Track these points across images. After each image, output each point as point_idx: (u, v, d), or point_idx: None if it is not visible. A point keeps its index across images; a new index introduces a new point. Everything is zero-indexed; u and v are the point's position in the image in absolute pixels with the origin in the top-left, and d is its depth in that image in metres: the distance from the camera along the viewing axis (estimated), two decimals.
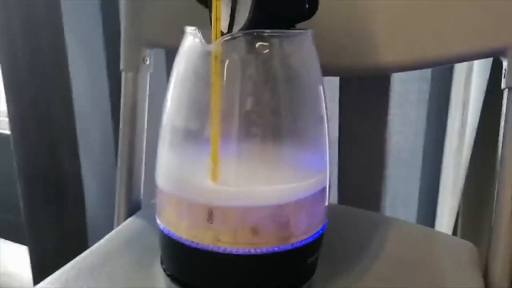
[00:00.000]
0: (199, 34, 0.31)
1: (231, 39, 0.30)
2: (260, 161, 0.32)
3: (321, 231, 0.35)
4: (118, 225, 0.49)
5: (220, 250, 0.32)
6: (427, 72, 0.63)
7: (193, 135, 0.33)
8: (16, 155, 0.88)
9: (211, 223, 0.32)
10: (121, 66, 0.52)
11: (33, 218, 0.91)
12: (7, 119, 0.88)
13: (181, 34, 0.35)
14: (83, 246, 0.87)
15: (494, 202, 0.41)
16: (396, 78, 0.62)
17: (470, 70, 0.61)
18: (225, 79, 0.31)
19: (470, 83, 0.61)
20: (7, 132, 0.90)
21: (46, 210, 0.89)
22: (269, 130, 0.32)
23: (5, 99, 0.86)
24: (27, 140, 0.86)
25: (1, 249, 1.24)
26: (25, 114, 0.84)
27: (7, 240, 1.26)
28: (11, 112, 0.86)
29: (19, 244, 1.22)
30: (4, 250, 1.24)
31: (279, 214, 0.32)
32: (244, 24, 0.31)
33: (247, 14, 0.31)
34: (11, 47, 0.81)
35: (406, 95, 0.63)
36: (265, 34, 0.31)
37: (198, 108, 0.32)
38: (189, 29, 0.33)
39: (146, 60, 0.51)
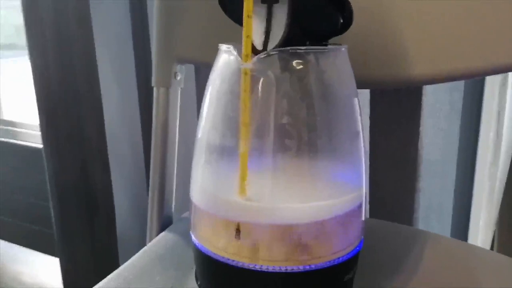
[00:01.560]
0: (234, 52, 0.31)
1: (266, 56, 0.30)
2: (294, 177, 0.32)
3: (358, 248, 0.35)
4: (150, 239, 0.49)
5: (255, 268, 0.32)
6: (460, 82, 0.62)
7: (227, 151, 0.33)
8: (48, 169, 0.89)
9: (239, 239, 0.31)
10: (153, 82, 0.52)
11: (64, 230, 0.92)
12: (40, 133, 0.90)
13: (211, 50, 0.35)
14: (113, 258, 0.88)
15: None
16: (428, 89, 0.61)
17: (504, 79, 0.59)
18: (259, 96, 0.31)
19: (505, 92, 0.60)
20: (40, 145, 0.92)
21: (77, 223, 0.91)
22: (304, 146, 0.31)
23: (38, 114, 0.88)
24: (59, 155, 0.87)
25: (34, 261, 1.27)
26: (57, 128, 0.86)
27: (39, 252, 1.28)
28: (43, 127, 0.87)
29: (50, 256, 1.24)
30: (36, 262, 1.26)
31: (313, 231, 0.32)
32: (279, 41, 0.31)
33: (281, 31, 0.31)
34: (44, 63, 0.83)
35: (439, 106, 0.62)
36: (300, 51, 0.31)
37: (234, 124, 0.32)
38: (224, 47, 0.33)
39: (177, 76, 0.52)
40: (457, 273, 0.42)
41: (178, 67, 0.52)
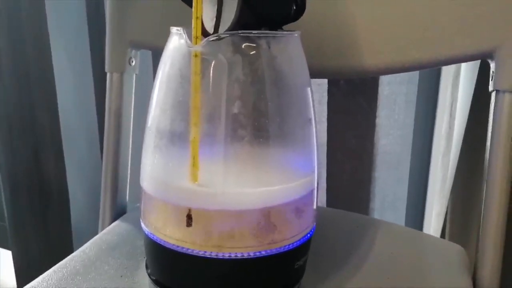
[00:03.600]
0: (184, 35, 0.31)
1: (217, 39, 0.29)
2: (246, 163, 0.32)
3: (309, 235, 0.35)
4: (103, 229, 0.48)
5: (205, 255, 0.31)
6: (415, 74, 0.63)
7: (177, 137, 0.33)
8: None
9: (190, 226, 0.31)
10: (106, 67, 0.51)
11: (17, 222, 0.89)
12: None
13: (167, 36, 0.34)
14: (67, 250, 0.86)
15: (482, 204, 0.41)
16: (384, 81, 0.62)
17: (457, 72, 0.61)
18: (210, 80, 0.30)
19: (457, 85, 0.61)
20: None
21: (30, 215, 0.88)
22: (255, 132, 0.31)
23: None
24: (11, 144, 0.84)
25: None
26: (9, 117, 0.83)
27: None
28: None
29: (3, 249, 1.21)
30: None
31: (264, 217, 0.31)
32: (230, 25, 0.31)
33: (233, 15, 0.31)
34: None
35: (394, 98, 0.63)
36: (252, 35, 0.30)
37: (183, 109, 0.32)
38: (175, 30, 0.32)
39: (132, 61, 0.51)
40: (408, 259, 0.43)
41: (132, 53, 0.51)
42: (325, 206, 0.67)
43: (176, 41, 0.32)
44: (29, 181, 0.85)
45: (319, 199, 0.36)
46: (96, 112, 0.79)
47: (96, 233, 0.47)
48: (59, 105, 0.78)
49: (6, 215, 0.90)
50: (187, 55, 0.31)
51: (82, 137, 0.81)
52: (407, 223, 0.71)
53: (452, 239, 0.64)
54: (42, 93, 0.79)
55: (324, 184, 0.66)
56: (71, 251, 0.42)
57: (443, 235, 0.66)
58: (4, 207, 0.89)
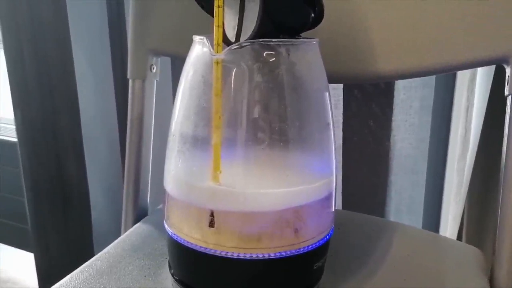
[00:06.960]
0: (207, 43, 0.32)
1: (239, 48, 0.31)
2: (267, 166, 0.33)
3: (328, 236, 0.36)
4: (125, 230, 0.50)
5: (227, 255, 0.32)
6: (431, 79, 0.63)
7: (201, 141, 0.34)
8: (22, 163, 0.88)
9: (213, 226, 0.32)
10: (128, 74, 0.52)
11: (39, 225, 0.91)
12: (14, 127, 0.88)
13: (187, 43, 0.35)
14: (88, 252, 0.88)
15: (499, 207, 0.42)
16: (400, 85, 0.63)
17: (473, 76, 0.61)
18: (232, 86, 0.31)
19: (473, 89, 0.62)
20: (14, 139, 0.90)
21: (52, 217, 0.90)
22: (275, 136, 0.32)
23: (12, 107, 0.87)
24: (33, 148, 0.86)
25: (7, 256, 1.25)
26: (32, 122, 0.85)
27: (13, 247, 1.26)
28: (18, 120, 0.86)
29: (25, 251, 1.23)
30: (10, 257, 1.24)
31: (284, 219, 0.32)
32: (251, 33, 0.32)
33: (254, 24, 0.32)
34: (18, 55, 0.81)
35: (410, 102, 0.64)
36: (272, 43, 0.31)
37: (206, 115, 0.33)
38: (198, 38, 0.34)
39: (153, 68, 0.52)
40: (425, 262, 0.43)
41: (153, 60, 0.52)
42: (341, 208, 0.68)
43: (199, 50, 0.33)
44: (51, 184, 0.87)
45: (336, 202, 0.37)
46: (116, 117, 0.81)
47: (116, 235, 0.48)
48: (80, 110, 0.80)
49: (28, 218, 0.92)
50: (210, 63, 0.32)
51: (103, 141, 0.82)
52: (424, 227, 0.71)
53: (468, 242, 0.64)
54: (64, 98, 0.81)
55: (340, 188, 0.66)
56: (92, 253, 0.44)
57: (459, 238, 0.66)
58: (27, 210, 0.92)
